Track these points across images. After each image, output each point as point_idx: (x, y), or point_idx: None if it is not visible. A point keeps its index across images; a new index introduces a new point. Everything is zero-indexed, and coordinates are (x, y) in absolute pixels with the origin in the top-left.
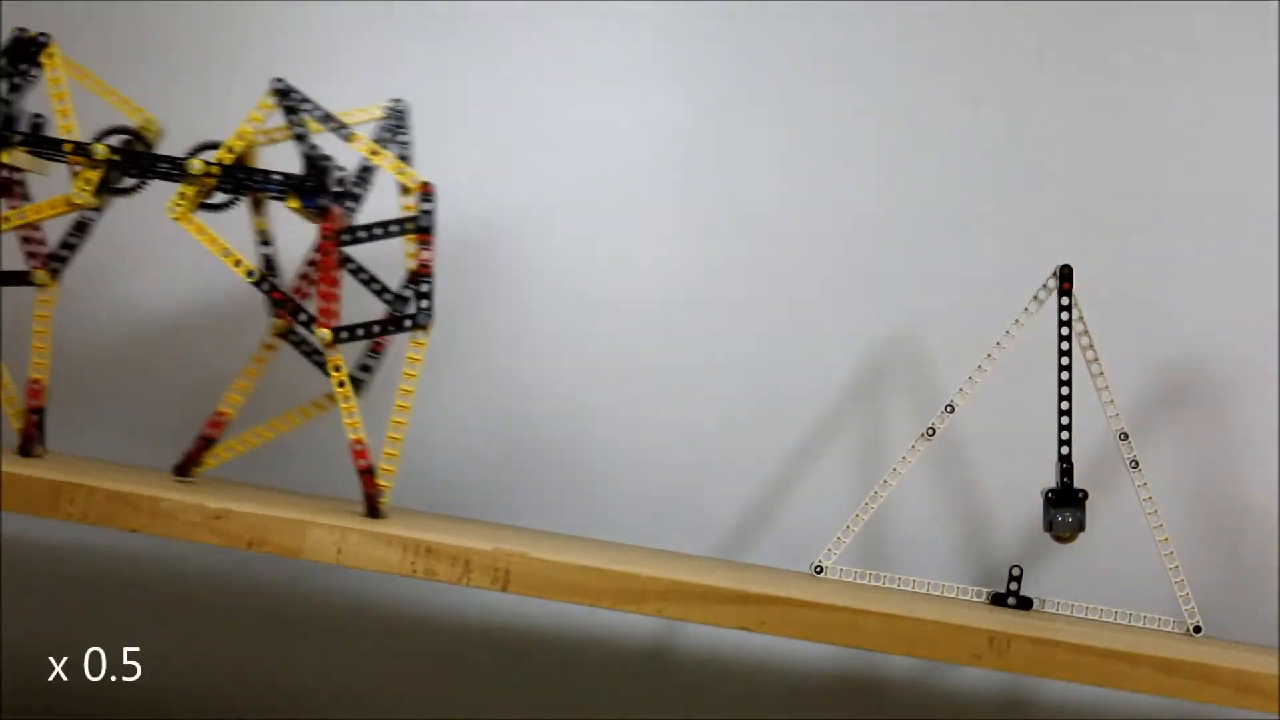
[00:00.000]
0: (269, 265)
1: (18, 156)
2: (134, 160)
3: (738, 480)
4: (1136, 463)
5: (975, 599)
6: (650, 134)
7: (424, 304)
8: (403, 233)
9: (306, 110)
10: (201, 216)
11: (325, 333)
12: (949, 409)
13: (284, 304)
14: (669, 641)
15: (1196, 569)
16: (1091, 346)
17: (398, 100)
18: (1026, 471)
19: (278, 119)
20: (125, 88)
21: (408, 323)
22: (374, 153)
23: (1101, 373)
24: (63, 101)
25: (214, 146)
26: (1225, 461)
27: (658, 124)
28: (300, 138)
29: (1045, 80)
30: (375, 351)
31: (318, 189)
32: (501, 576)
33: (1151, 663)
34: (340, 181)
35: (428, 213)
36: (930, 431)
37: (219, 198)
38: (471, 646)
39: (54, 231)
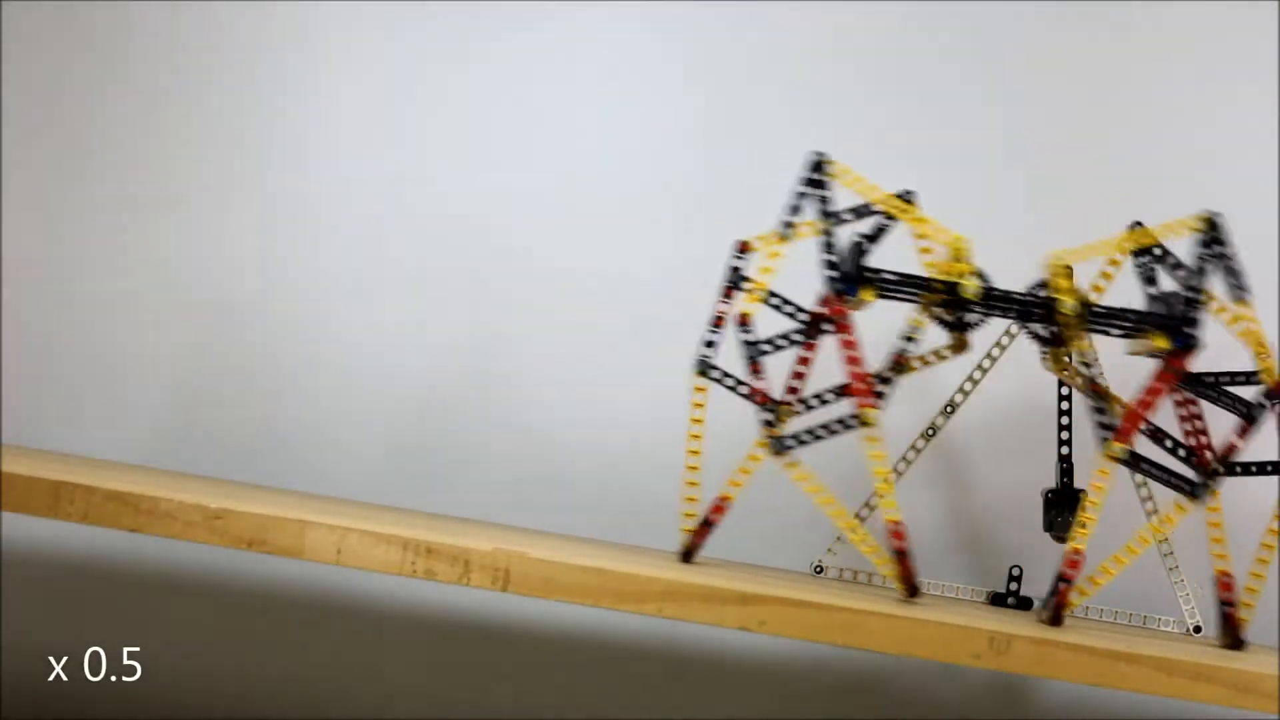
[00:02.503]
0: (1096, 388)
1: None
2: (1002, 300)
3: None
4: None
5: (975, 599)
6: (650, 131)
7: None
8: (1248, 383)
9: (1158, 251)
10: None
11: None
12: (949, 409)
13: (1152, 435)
14: (669, 641)
15: (1196, 569)
16: (1092, 346)
17: (1214, 213)
18: (1026, 471)
19: None
20: (123, 86)
21: None
22: (1238, 322)
23: (1102, 372)
24: (926, 241)
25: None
26: None
27: (657, 122)
28: (1150, 280)
29: (1044, 80)
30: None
31: (1189, 331)
32: (501, 576)
33: (1151, 663)
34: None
35: None
36: (930, 431)
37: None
38: (471, 646)
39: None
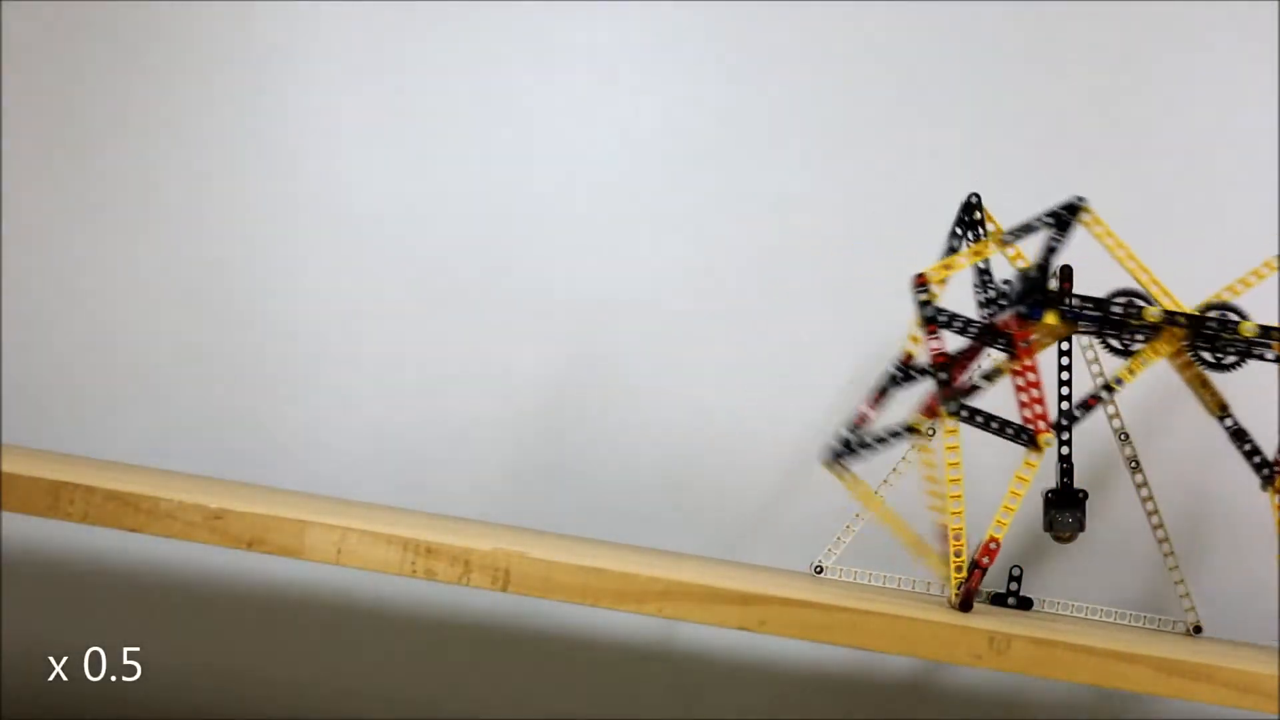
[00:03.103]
0: None
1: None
2: (1183, 323)
3: (738, 480)
4: (1137, 463)
5: (975, 599)
6: (654, 132)
7: None
8: None
9: None
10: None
11: None
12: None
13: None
14: (669, 641)
15: (1196, 569)
16: (1091, 346)
17: None
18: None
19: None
20: (126, 86)
21: None
22: None
23: (1101, 372)
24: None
25: (1223, 307)
26: (1225, 461)
27: (660, 121)
28: None
29: (1045, 82)
30: None
31: None
32: (501, 576)
33: (1151, 663)
34: None
35: None
36: (930, 431)
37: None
38: (471, 646)
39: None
